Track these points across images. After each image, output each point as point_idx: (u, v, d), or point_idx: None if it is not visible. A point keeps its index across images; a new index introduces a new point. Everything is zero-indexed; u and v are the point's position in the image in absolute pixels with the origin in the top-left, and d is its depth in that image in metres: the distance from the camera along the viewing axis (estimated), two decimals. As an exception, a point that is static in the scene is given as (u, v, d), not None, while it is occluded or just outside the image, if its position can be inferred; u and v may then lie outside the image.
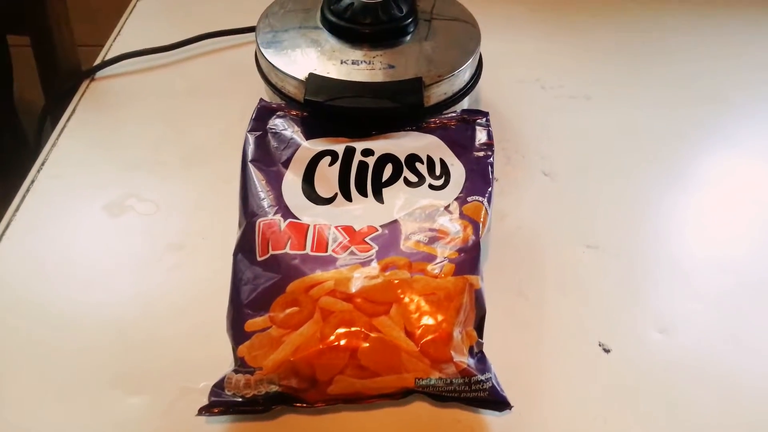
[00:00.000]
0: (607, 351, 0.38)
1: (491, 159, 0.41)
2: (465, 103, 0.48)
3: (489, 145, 0.41)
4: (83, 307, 0.39)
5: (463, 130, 0.42)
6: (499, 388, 0.33)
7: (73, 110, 0.54)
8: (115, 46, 0.61)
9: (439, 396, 0.33)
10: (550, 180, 0.48)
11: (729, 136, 0.54)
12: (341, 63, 0.45)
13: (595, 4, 0.68)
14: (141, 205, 0.46)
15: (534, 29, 0.65)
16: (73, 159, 0.49)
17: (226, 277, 0.36)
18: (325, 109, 0.42)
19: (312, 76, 0.44)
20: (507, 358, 0.35)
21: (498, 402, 0.33)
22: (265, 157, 0.41)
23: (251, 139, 0.41)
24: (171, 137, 0.51)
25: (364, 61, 0.45)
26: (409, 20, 0.48)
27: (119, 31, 0.63)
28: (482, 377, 0.32)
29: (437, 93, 0.45)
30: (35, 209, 0.45)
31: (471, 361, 0.33)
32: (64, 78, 0.58)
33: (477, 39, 0.49)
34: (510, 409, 0.33)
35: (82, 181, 0.48)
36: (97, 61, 0.58)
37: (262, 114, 0.43)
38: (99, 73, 0.57)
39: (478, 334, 0.34)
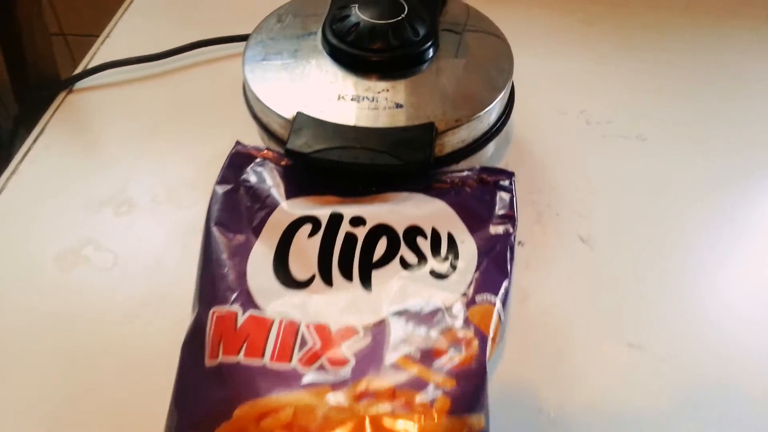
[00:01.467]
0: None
1: (512, 238, 0.32)
2: (490, 148, 0.40)
3: (511, 219, 0.33)
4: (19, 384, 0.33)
5: (480, 196, 0.34)
6: None
7: (42, 129, 0.47)
8: (103, 49, 0.54)
9: None
10: (588, 249, 0.39)
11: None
12: (338, 99, 0.37)
13: (662, 18, 0.57)
14: (97, 257, 0.39)
15: (581, 46, 0.55)
16: (33, 191, 0.43)
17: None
18: (310, 161, 0.34)
19: (299, 117, 0.35)
20: None
21: None
22: (234, 219, 0.33)
23: (219, 195, 0.34)
24: (146, 169, 0.44)
25: (366, 98, 0.37)
26: (427, 45, 0.39)
27: (109, 31, 0.56)
28: None
29: (453, 141, 0.37)
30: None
31: None
32: (39, 87, 0.51)
33: (508, 67, 0.40)
34: None
35: (37, 221, 0.41)
36: (78, 69, 0.51)
37: (237, 161, 0.35)
38: (78, 84, 0.51)
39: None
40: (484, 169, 0.35)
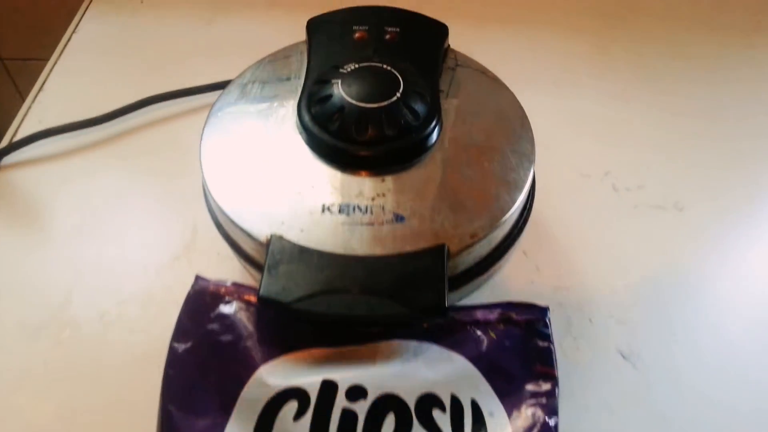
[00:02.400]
0: None
1: (555, 412, 0.25)
2: (509, 257, 0.32)
3: (550, 379, 0.26)
4: None
5: (508, 345, 0.27)
6: None
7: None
8: (33, 112, 0.45)
9: None
10: (631, 367, 0.33)
11: None
12: (322, 210, 0.29)
13: (685, 38, 0.50)
14: (34, 402, 0.32)
15: (596, 81, 0.47)
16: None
17: None
18: (291, 313, 0.26)
19: (275, 243, 0.28)
20: None
21: None
22: (198, 395, 0.26)
23: (178, 356, 0.27)
24: (89, 277, 0.37)
25: (358, 207, 0.29)
26: (430, 128, 0.31)
27: (39, 89, 0.47)
28: None
29: (467, 260, 0.30)
30: None
31: None
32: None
33: (529, 146, 0.33)
34: None
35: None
36: (4, 141, 0.43)
37: (198, 305, 0.28)
38: (5, 160, 0.42)
39: None
40: (511, 306, 0.28)
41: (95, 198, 0.40)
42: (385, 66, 0.33)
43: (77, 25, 0.52)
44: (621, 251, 0.38)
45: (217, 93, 0.45)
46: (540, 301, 0.35)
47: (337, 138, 0.31)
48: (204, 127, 0.33)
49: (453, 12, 0.51)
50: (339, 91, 0.31)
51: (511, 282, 0.36)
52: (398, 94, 0.31)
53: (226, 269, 0.36)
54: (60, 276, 0.36)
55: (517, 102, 0.35)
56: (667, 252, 0.38)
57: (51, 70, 0.48)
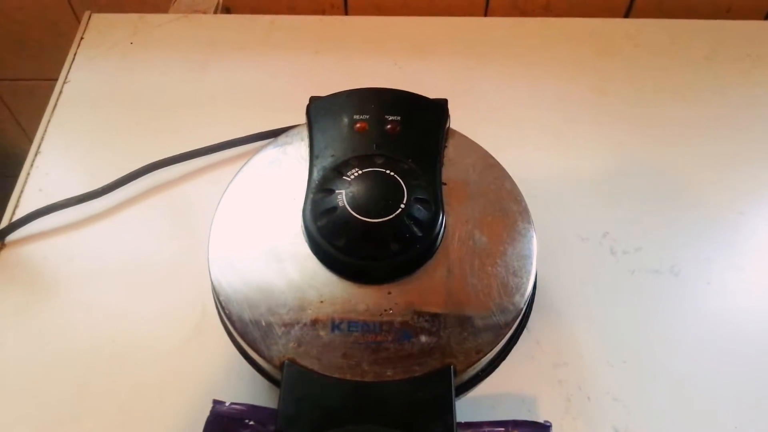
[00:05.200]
0: None
1: None
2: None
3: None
4: None
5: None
6: None
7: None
8: (30, 186, 0.45)
9: None
10: (629, 451, 0.35)
11: None
12: (332, 329, 0.30)
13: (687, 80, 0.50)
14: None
15: (595, 149, 0.47)
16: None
17: None
18: (309, 442, 0.28)
19: (289, 370, 0.29)
20: None
21: None
22: None
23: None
24: (97, 380, 0.37)
25: (366, 325, 0.30)
26: (433, 237, 0.32)
27: (35, 153, 0.47)
28: None
29: (470, 373, 0.31)
30: None
31: None
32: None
33: (529, 240, 0.34)
34: None
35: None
36: (4, 223, 0.43)
37: (216, 430, 0.29)
38: (9, 237, 0.43)
39: None
40: (516, 424, 0.29)
41: (102, 273, 0.41)
42: (387, 171, 0.33)
43: (68, 74, 0.52)
44: (619, 321, 0.39)
45: (220, 154, 0.46)
46: (540, 380, 0.37)
47: (343, 252, 0.31)
48: (210, 229, 0.34)
49: (447, 57, 0.51)
50: (344, 203, 0.32)
51: (513, 358, 0.37)
52: (402, 206, 0.31)
53: (236, 354, 0.37)
54: (72, 365, 0.37)
55: (518, 190, 0.35)
56: (662, 319, 0.39)
57: (45, 131, 0.48)
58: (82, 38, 0.54)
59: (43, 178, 0.46)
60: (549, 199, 0.39)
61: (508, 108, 0.49)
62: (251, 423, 0.29)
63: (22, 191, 0.45)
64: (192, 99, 0.50)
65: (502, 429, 0.29)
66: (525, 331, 0.38)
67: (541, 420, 0.31)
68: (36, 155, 0.47)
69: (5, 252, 0.42)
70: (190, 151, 0.45)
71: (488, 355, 0.30)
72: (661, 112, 0.49)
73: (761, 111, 0.49)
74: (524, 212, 0.35)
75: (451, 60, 0.53)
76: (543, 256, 0.40)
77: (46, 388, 0.37)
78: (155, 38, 0.54)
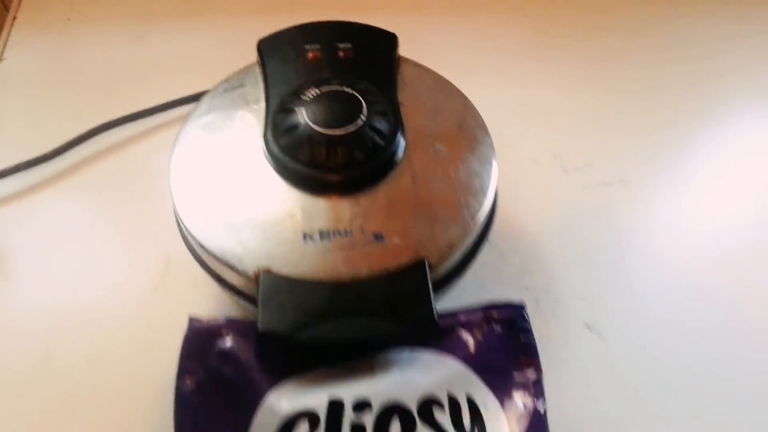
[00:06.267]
0: None
1: (542, 395, 0.28)
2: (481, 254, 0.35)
3: (535, 367, 0.29)
4: None
5: (493, 342, 0.30)
6: None
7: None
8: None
9: None
10: (597, 338, 0.37)
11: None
12: (304, 239, 0.31)
13: (633, 47, 0.53)
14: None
15: (537, 63, 0.50)
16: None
17: None
18: (293, 342, 0.28)
19: (265, 279, 0.29)
20: None
21: None
22: (209, 428, 0.27)
23: (184, 397, 0.28)
24: (66, 324, 0.36)
25: (338, 232, 0.31)
26: (395, 146, 0.33)
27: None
28: None
29: (446, 268, 0.32)
30: None
31: None
32: None
33: (488, 146, 0.35)
34: None
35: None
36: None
37: (196, 345, 0.29)
38: (-45, 209, 0.41)
39: None
40: (491, 307, 0.30)
41: (57, 238, 0.40)
42: (345, 89, 0.34)
43: (3, 52, 0.50)
44: (576, 232, 0.41)
45: (167, 113, 0.46)
46: (508, 287, 0.38)
47: (309, 166, 0.32)
48: (170, 163, 0.34)
49: (392, 11, 0.52)
50: (304, 119, 0.32)
51: (481, 271, 0.38)
52: (362, 117, 0.32)
53: (207, 296, 0.37)
54: (35, 326, 0.36)
55: (472, 106, 0.37)
56: (616, 226, 0.41)
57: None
58: (15, 17, 0.53)
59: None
60: (499, 128, 0.40)
61: (456, 47, 0.51)
62: (230, 334, 0.29)
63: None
64: (135, 69, 0.50)
65: (480, 313, 0.30)
66: (489, 245, 0.39)
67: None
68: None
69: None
70: (135, 113, 0.45)
71: (459, 249, 0.31)
72: (603, 45, 0.51)
73: (702, 34, 0.52)
74: (481, 124, 0.36)
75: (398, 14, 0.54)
76: (501, 180, 0.42)
77: (11, 355, 0.35)
78: (93, 14, 0.54)
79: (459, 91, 0.37)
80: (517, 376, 0.29)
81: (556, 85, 0.49)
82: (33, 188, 0.42)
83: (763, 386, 0.35)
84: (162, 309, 0.37)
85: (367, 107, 0.33)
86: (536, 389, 0.28)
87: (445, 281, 0.32)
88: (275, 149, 0.32)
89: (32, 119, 0.46)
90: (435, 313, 0.28)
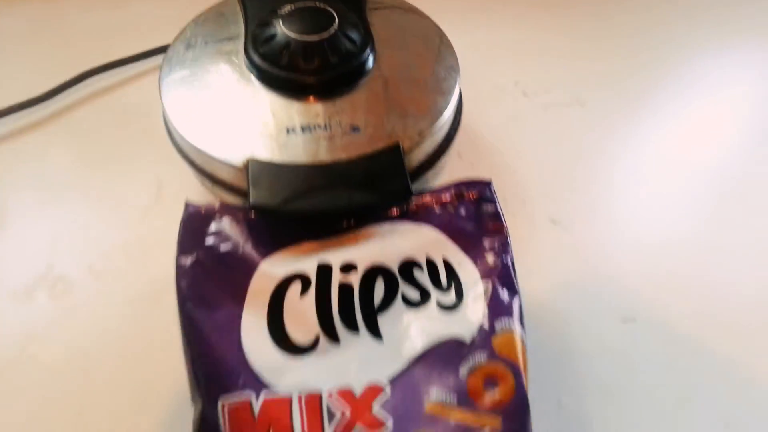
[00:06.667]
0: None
1: (509, 251, 0.31)
2: (450, 153, 0.38)
3: (501, 231, 0.32)
4: None
5: (464, 212, 0.33)
6: None
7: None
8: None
9: None
10: (561, 230, 0.40)
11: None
12: (287, 132, 0.34)
13: None
14: (46, 354, 0.34)
15: (500, 15, 0.54)
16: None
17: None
18: (282, 214, 0.31)
19: (253, 165, 0.32)
20: None
21: None
22: (210, 293, 0.30)
23: (186, 269, 0.30)
24: (66, 238, 0.39)
25: (318, 126, 0.34)
26: (367, 52, 0.36)
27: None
28: None
29: (419, 156, 0.35)
30: None
31: None
32: None
33: (452, 59, 0.38)
34: None
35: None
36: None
37: (193, 226, 0.31)
38: (-46, 151, 0.43)
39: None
40: (461, 184, 0.33)
41: (54, 170, 0.42)
42: (318, 5, 0.37)
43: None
44: (539, 144, 0.44)
45: (155, 59, 0.48)
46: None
47: (288, 70, 0.35)
48: (160, 80, 0.36)
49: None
50: (282, 29, 0.35)
51: (452, 178, 0.42)
52: (335, 27, 0.36)
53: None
54: (37, 245, 0.38)
55: (436, 25, 0.40)
56: (575, 138, 0.45)
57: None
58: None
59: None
60: (463, 60, 0.44)
61: None
62: (224, 216, 0.32)
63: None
64: (123, 18, 0.52)
65: (452, 189, 0.33)
66: (458, 158, 0.43)
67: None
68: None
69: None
70: (123, 58, 0.47)
71: (429, 136, 0.34)
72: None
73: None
74: (445, 41, 0.40)
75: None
76: (467, 103, 0.45)
77: (17, 269, 0.37)
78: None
79: (424, 14, 0.41)
80: (486, 239, 0.32)
81: (514, 20, 0.53)
82: (29, 128, 0.44)
83: (719, 273, 0.38)
84: (155, 224, 0.40)
85: (339, 20, 0.36)
86: (503, 248, 0.31)
87: (418, 172, 0.36)
88: (256, 58, 0.35)
89: (25, 66, 0.49)
90: (409, 183, 0.31)
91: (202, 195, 0.38)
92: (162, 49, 0.49)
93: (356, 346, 0.29)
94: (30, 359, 0.34)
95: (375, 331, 0.29)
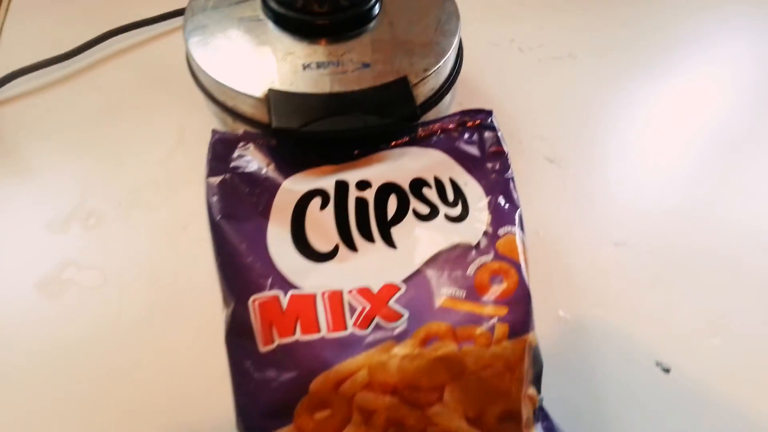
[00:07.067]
0: (666, 371, 0.34)
1: (509, 170, 0.34)
2: (454, 91, 0.41)
3: (502, 154, 0.35)
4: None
5: (468, 138, 0.35)
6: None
7: (-37, 159, 0.42)
8: (-2, 61, 0.49)
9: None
10: (557, 168, 0.43)
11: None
12: (303, 68, 0.36)
13: None
14: (83, 276, 0.37)
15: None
16: (-20, 227, 0.39)
17: (213, 366, 0.29)
18: (301, 136, 0.34)
19: (274, 94, 0.35)
20: (563, 401, 0.31)
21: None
22: (238, 208, 0.32)
23: (215, 186, 0.33)
24: (97, 177, 0.42)
25: (332, 62, 0.37)
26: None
27: (-3, 39, 0.50)
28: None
29: (424, 91, 0.38)
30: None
31: (539, 430, 0.28)
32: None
33: (453, 6, 0.41)
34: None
35: (2, 254, 0.38)
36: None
37: (220, 150, 0.34)
38: (-15, 102, 0.46)
39: (537, 390, 0.30)
40: (464, 113, 0.36)
41: (82, 119, 0.45)
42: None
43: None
44: (535, 93, 0.47)
45: (175, 20, 0.51)
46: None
47: (302, 13, 0.38)
48: (184, 25, 0.39)
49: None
50: (296, -23, 0.38)
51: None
52: (346, -26, 0.39)
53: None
54: (70, 184, 0.41)
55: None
56: (569, 86, 0.48)
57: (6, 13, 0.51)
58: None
59: (7, 57, 0.49)
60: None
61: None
62: (249, 142, 0.34)
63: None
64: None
65: (456, 117, 0.36)
66: (458, 107, 0.46)
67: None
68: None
69: (-19, 116, 0.45)
70: (145, 19, 0.50)
71: (434, 73, 0.37)
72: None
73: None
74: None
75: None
76: (465, 58, 0.48)
77: (51, 205, 0.40)
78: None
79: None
80: (488, 161, 0.35)
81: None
82: (57, 83, 0.47)
83: (702, 203, 0.42)
84: (180, 163, 0.42)
85: (350, -32, 0.39)
86: (504, 168, 0.34)
87: (424, 107, 0.39)
88: (272, 3, 0.38)
89: (54, 25, 0.51)
90: (417, 107, 0.34)
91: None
92: (180, 12, 0.52)
93: (373, 253, 0.32)
94: (67, 281, 0.36)
95: (389, 240, 0.32)
